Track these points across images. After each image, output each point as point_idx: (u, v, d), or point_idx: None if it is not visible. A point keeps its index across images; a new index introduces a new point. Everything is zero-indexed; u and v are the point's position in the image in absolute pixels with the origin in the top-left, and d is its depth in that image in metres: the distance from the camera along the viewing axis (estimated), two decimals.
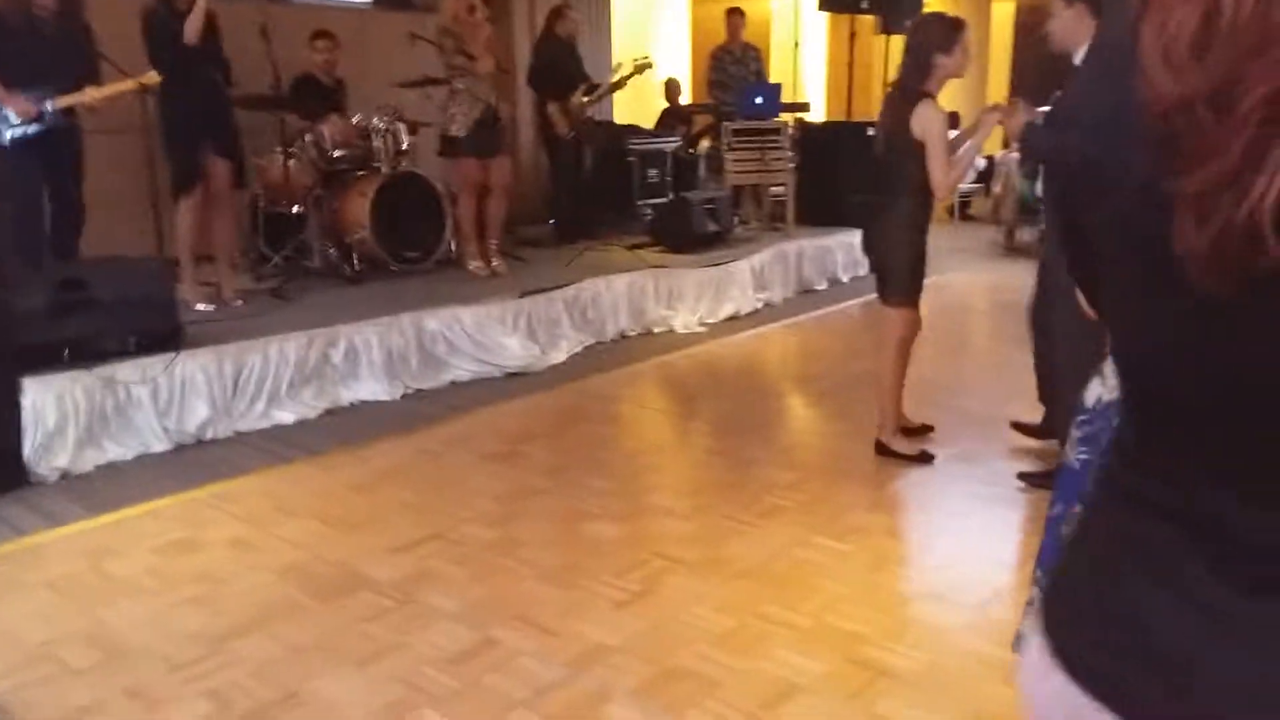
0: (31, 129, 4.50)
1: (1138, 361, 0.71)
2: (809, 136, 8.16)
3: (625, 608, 2.78)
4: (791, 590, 2.87)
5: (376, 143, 5.97)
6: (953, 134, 3.64)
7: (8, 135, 4.48)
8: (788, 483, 3.72)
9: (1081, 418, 1.70)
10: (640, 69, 7.28)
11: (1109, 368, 1.71)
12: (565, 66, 7.09)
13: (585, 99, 7.17)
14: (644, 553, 3.13)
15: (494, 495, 3.59)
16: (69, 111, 4.58)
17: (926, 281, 3.81)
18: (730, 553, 3.13)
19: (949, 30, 3.54)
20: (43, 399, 3.69)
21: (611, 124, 8.20)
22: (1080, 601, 0.76)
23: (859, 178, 7.19)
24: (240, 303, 5.14)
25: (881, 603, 2.83)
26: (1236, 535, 0.65)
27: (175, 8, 4.84)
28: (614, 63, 8.04)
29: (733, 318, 6.35)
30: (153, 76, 4.69)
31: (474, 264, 5.91)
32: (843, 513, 3.43)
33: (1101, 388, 1.73)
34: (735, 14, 8.61)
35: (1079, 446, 1.71)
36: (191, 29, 4.80)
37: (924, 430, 4.10)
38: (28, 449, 3.64)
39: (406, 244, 5.88)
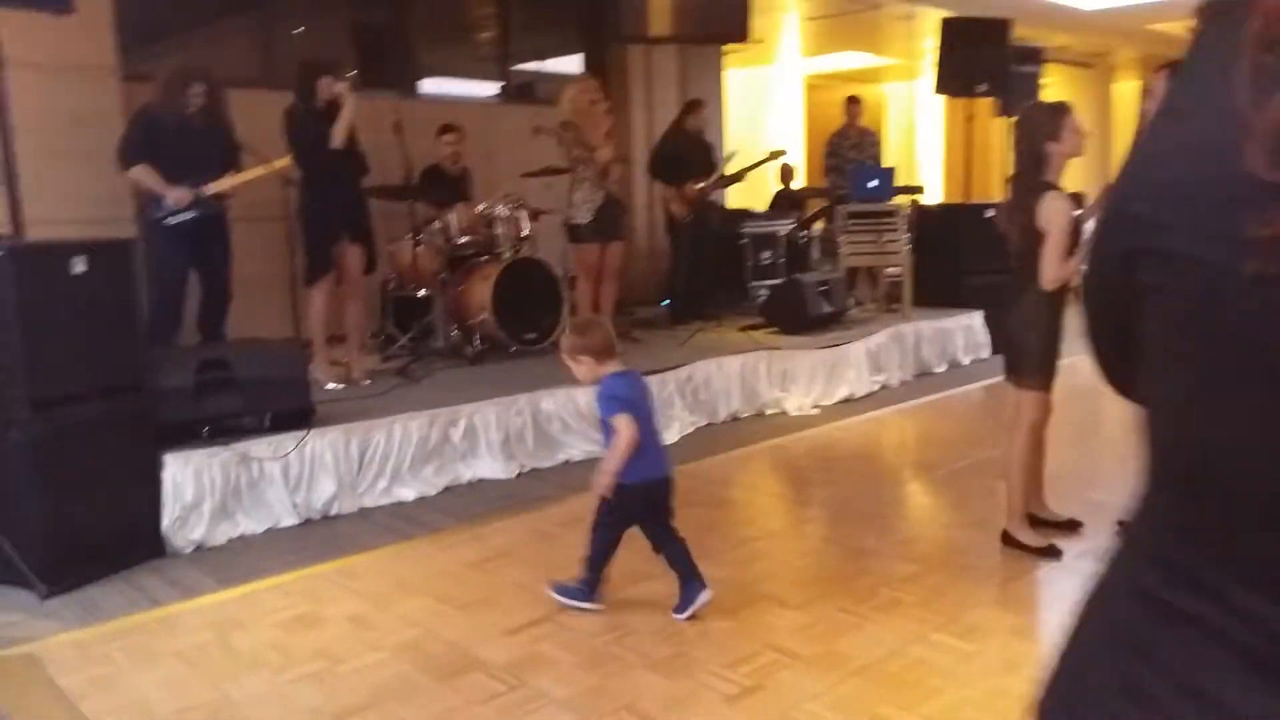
0: (188, 215, 4.84)
1: (1202, 457, 0.63)
2: (925, 218, 8.10)
3: (736, 702, 2.72)
4: (910, 691, 2.77)
5: (499, 230, 6.19)
6: (1076, 213, 3.57)
7: (169, 221, 4.84)
8: (906, 575, 3.60)
9: None
10: (774, 156, 7.47)
11: None
12: (690, 156, 7.30)
13: (701, 185, 7.32)
14: (755, 644, 3.07)
15: (605, 579, 3.58)
16: (218, 197, 4.93)
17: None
18: (845, 648, 3.04)
19: (1053, 116, 3.50)
20: (182, 474, 3.88)
21: (724, 208, 8.31)
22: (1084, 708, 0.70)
23: (980, 259, 7.15)
24: (368, 382, 5.34)
25: (1008, 709, 2.69)
26: None
27: (315, 108, 5.17)
28: (726, 151, 8.19)
29: (847, 400, 6.27)
30: (285, 162, 5.03)
31: None
32: (965, 609, 3.30)
33: None
34: (853, 101, 8.75)
35: None
36: (338, 135, 5.11)
37: (1070, 526, 3.90)
38: (166, 521, 3.83)
39: (526, 326, 6.04)
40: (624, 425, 3.11)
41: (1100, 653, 0.71)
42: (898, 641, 3.07)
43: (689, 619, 3.22)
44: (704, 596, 3.23)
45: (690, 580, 3.24)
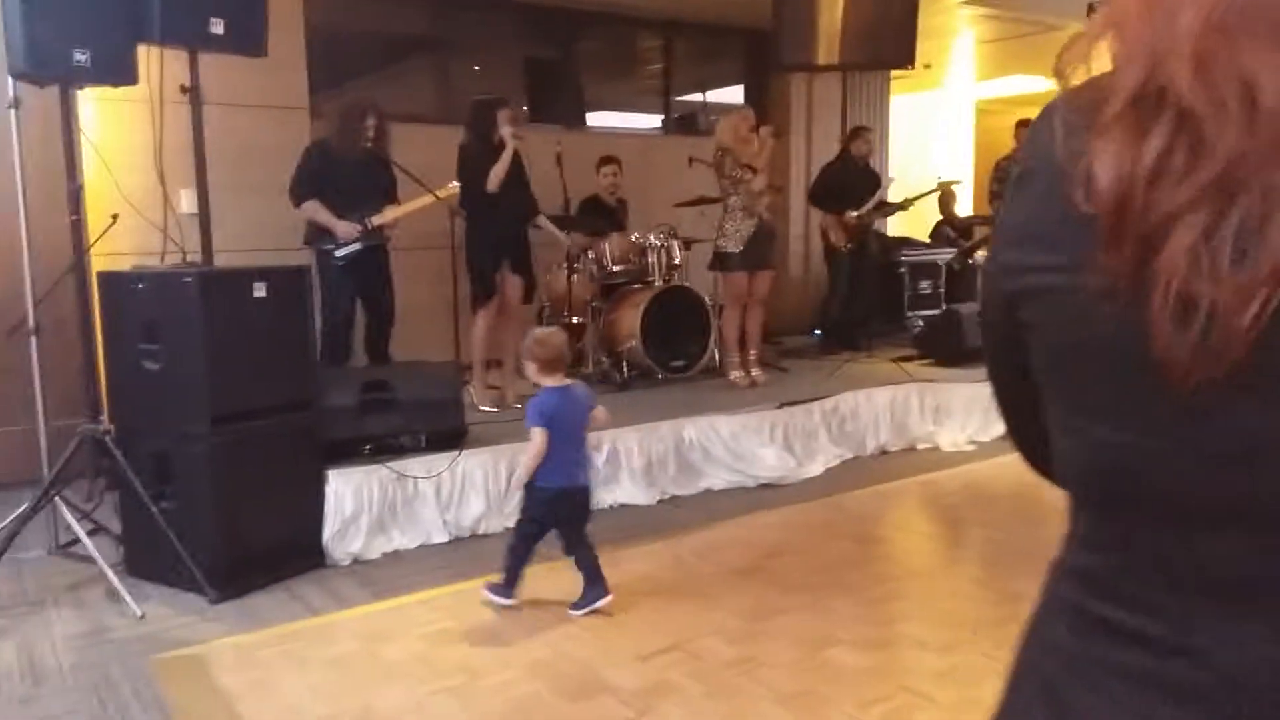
0: (356, 247, 5.15)
1: (1117, 476, 0.66)
2: None
3: None
4: None
5: (651, 258, 6.29)
6: None
7: (338, 255, 5.15)
8: None
9: None
10: (944, 187, 7.32)
11: None
12: (854, 184, 7.23)
13: (856, 213, 7.23)
14: (890, 686, 2.99)
15: (738, 610, 3.58)
16: (380, 229, 5.21)
17: None
18: (989, 695, 2.89)
19: None
20: (343, 489, 4.12)
21: (883, 235, 8.16)
22: None
23: None
24: (520, 405, 5.51)
25: None
26: (1225, 663, 0.60)
27: (488, 145, 5.40)
28: (891, 176, 8.06)
29: (1004, 437, 6.00)
30: (450, 189, 5.27)
31: (735, 374, 6.04)
32: None
33: None
34: (1024, 125, 8.41)
35: None
36: (494, 179, 5.33)
37: None
38: (327, 534, 4.07)
39: (673, 354, 6.11)
40: (536, 436, 3.48)
41: (1031, 667, 0.76)
42: None
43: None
44: (603, 601, 3.56)
45: (594, 584, 3.57)
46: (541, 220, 5.77)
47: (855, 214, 7.19)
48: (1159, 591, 0.64)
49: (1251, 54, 0.54)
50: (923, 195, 7.56)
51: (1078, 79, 0.62)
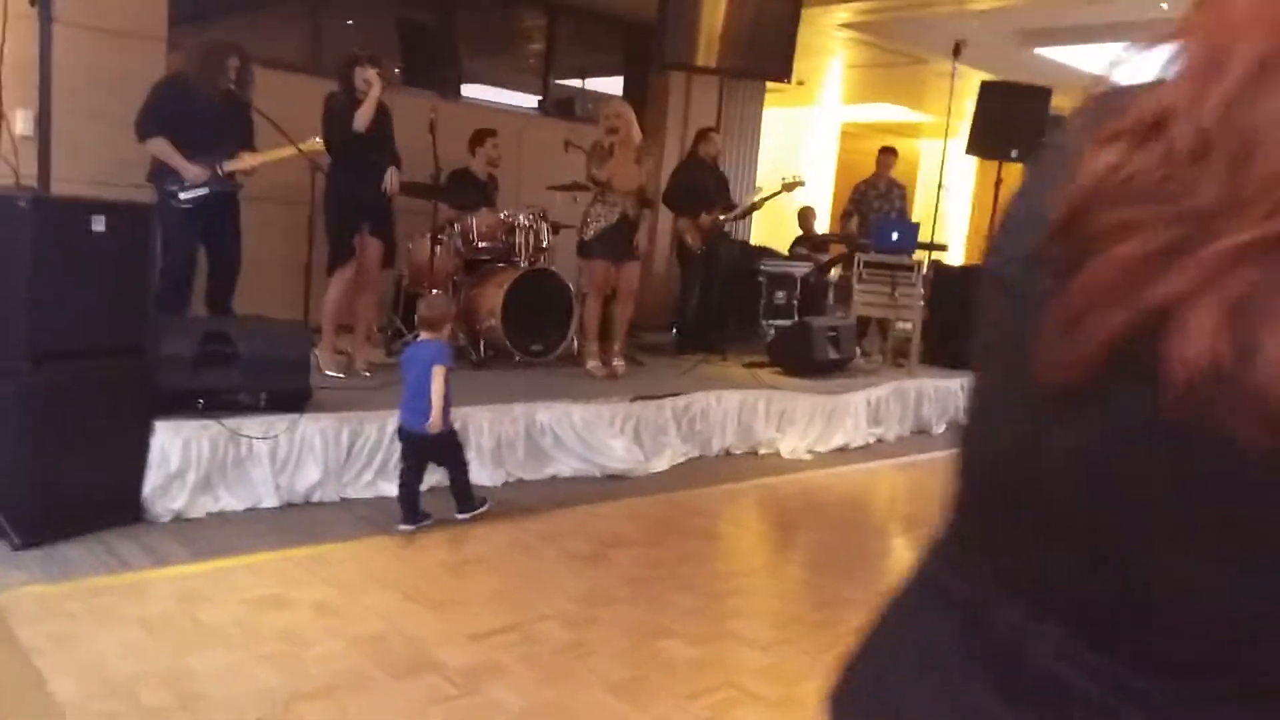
0: (202, 192, 4.88)
1: (983, 457, 0.69)
2: (943, 277, 8.09)
3: None
4: None
5: (519, 238, 6.22)
6: None
7: (182, 197, 4.87)
8: None
9: None
10: (789, 187, 7.44)
11: None
12: (705, 185, 7.31)
13: (721, 217, 7.34)
14: (717, 679, 3.06)
15: (575, 596, 3.58)
16: (231, 175, 4.96)
17: None
18: (807, 693, 3.02)
19: None
20: (171, 443, 3.90)
21: (745, 244, 8.34)
22: (857, 683, 0.77)
23: None
24: (369, 374, 5.36)
25: None
26: (1022, 646, 0.63)
27: (354, 98, 5.23)
28: (757, 185, 8.24)
29: (842, 449, 6.25)
30: (313, 144, 5.06)
31: (591, 363, 6.04)
32: None
33: None
34: (888, 152, 8.77)
35: None
36: (362, 118, 5.16)
37: None
38: (147, 488, 3.84)
39: (533, 337, 6.06)
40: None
41: (885, 639, 0.78)
42: None
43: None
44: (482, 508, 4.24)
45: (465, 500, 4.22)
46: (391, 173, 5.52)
47: (710, 217, 7.29)
48: (987, 581, 0.66)
49: (1265, 112, 0.53)
50: (772, 195, 7.65)
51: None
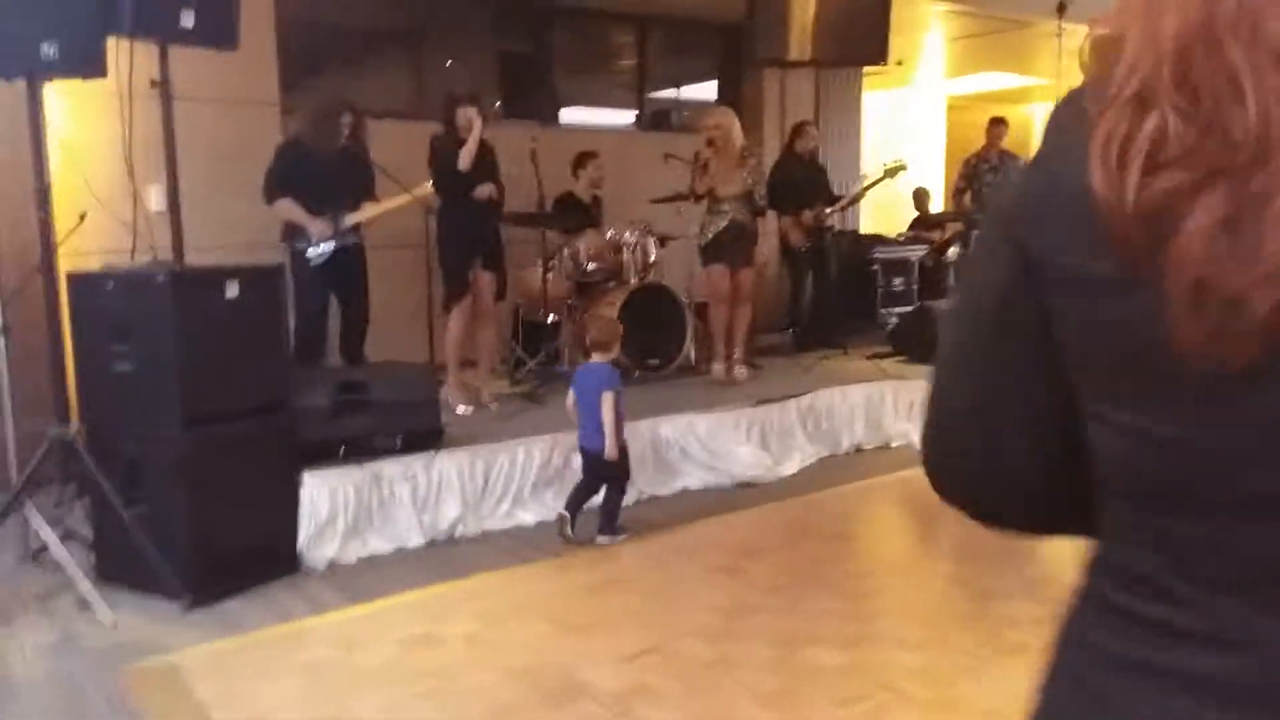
0: (330, 246, 5.10)
1: (1137, 465, 0.65)
2: None
3: None
4: None
5: (627, 256, 6.28)
6: None
7: (311, 253, 5.10)
8: (1034, 618, 3.45)
9: None
10: (891, 173, 7.28)
11: None
12: (802, 181, 7.23)
13: (826, 210, 7.24)
14: (869, 684, 3.01)
15: (716, 609, 3.58)
16: (355, 228, 5.17)
17: None
18: (965, 692, 2.95)
19: None
20: (319, 492, 4.08)
21: (855, 234, 8.20)
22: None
23: None
24: (496, 405, 5.49)
25: None
26: (1269, 662, 0.59)
27: (458, 137, 5.38)
28: (862, 173, 8.09)
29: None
30: (426, 188, 5.23)
31: (716, 366, 6.06)
32: None
33: None
34: (997, 123, 8.50)
35: None
36: (465, 157, 5.30)
37: None
38: (302, 539, 4.03)
39: (649, 352, 6.10)
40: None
41: (1068, 667, 0.74)
42: (1022, 687, 2.88)
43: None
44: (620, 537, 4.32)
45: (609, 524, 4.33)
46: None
47: (813, 213, 7.19)
48: (1197, 588, 0.63)
49: (1235, 55, 0.55)
50: (874, 184, 7.50)
51: (1099, 69, 0.63)
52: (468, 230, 5.46)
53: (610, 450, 4.20)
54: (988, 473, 0.78)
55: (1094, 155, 0.59)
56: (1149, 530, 0.66)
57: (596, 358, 4.43)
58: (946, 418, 0.81)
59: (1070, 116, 0.65)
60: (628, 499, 4.78)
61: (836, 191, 7.58)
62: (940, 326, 0.80)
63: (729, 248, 5.99)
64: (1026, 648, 3.21)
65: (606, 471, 4.29)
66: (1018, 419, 0.74)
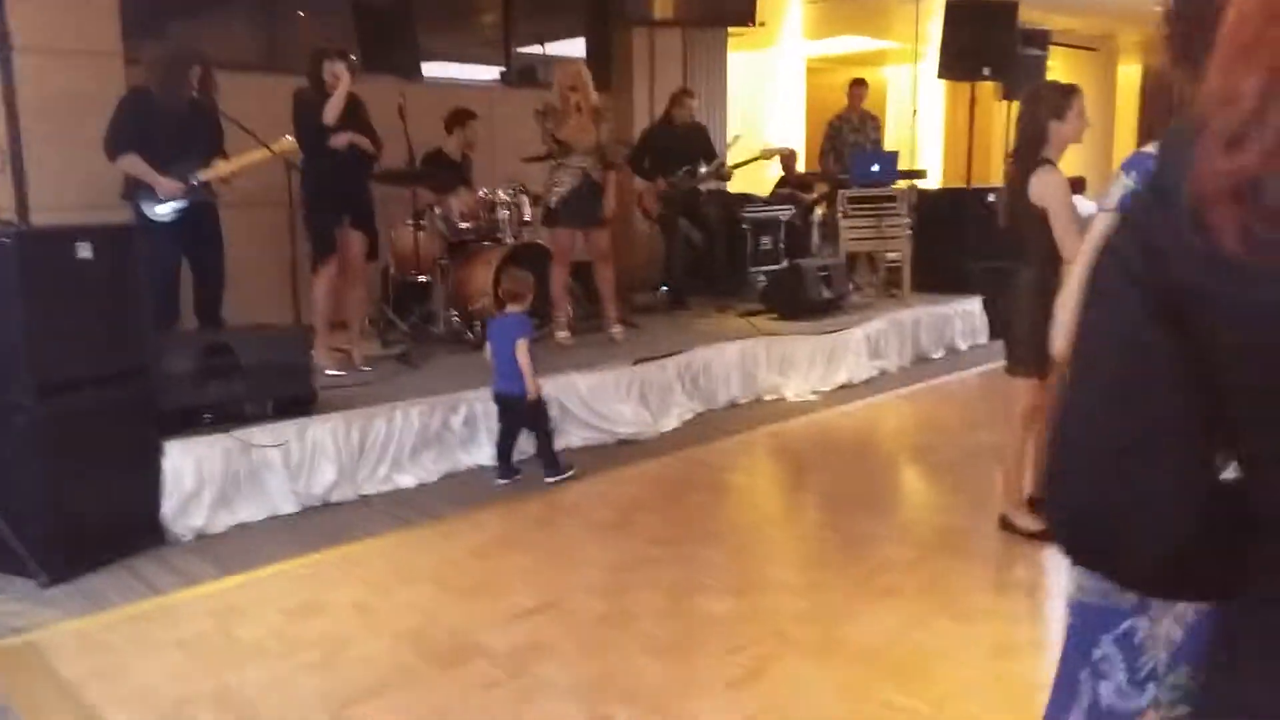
0: (179, 204, 4.82)
1: None
2: (926, 203, 8.07)
3: (739, 687, 2.74)
4: (912, 676, 2.79)
5: (501, 214, 6.17)
6: (1080, 200, 3.57)
7: (159, 212, 4.81)
8: (905, 560, 3.62)
9: None
10: (769, 155, 7.45)
11: None
12: (677, 146, 7.25)
13: (680, 179, 7.27)
14: (758, 630, 3.09)
15: (606, 565, 3.61)
16: (207, 185, 4.90)
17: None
18: (846, 633, 3.06)
19: (1062, 97, 3.51)
20: (182, 461, 3.88)
21: (724, 193, 8.29)
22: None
23: (981, 244, 7.13)
24: (369, 368, 5.33)
25: (1008, 692, 2.71)
26: None
27: (324, 92, 5.15)
28: (732, 135, 8.17)
29: (846, 386, 6.27)
30: (285, 143, 4.99)
31: (560, 334, 5.96)
32: (964, 594, 3.32)
33: None
34: (858, 84, 8.71)
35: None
36: (331, 111, 5.09)
37: None
38: (166, 509, 3.84)
39: (528, 311, 6.01)
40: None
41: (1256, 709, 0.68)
42: (898, 627, 3.09)
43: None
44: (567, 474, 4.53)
45: (550, 465, 4.53)
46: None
47: (666, 181, 7.24)
48: None
49: None
50: (746, 162, 7.71)
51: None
52: (335, 188, 5.27)
53: (531, 391, 4.40)
54: (1142, 524, 0.69)
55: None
56: None
57: (511, 309, 4.63)
58: (1091, 463, 0.71)
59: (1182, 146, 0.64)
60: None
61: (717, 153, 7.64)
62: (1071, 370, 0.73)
63: (578, 208, 5.83)
64: (901, 589, 3.37)
65: (528, 414, 4.47)
66: (1177, 464, 0.67)
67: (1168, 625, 1.35)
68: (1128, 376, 0.68)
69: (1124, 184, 1.55)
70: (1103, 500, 0.70)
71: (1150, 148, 1.53)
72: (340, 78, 5.13)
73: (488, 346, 4.58)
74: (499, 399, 4.54)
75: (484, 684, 2.78)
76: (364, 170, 5.44)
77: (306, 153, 5.15)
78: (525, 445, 4.67)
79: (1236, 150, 0.58)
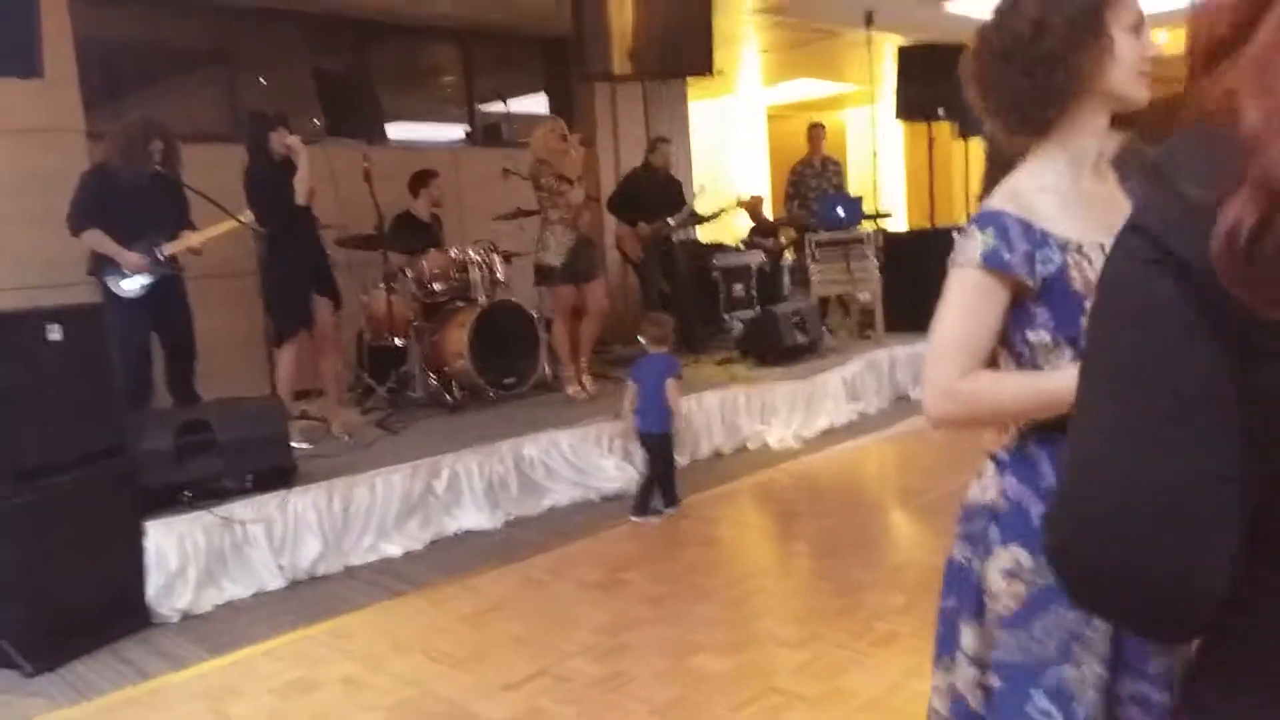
0: (146, 279, 4.77)
1: None
2: (894, 244, 8.18)
3: None
4: None
5: (473, 274, 6.18)
6: None
7: (126, 287, 4.75)
8: (899, 606, 3.61)
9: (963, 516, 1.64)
10: (744, 205, 7.59)
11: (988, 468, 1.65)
12: (655, 193, 7.34)
13: (664, 225, 7.36)
14: (758, 686, 3.06)
15: (599, 627, 3.57)
16: (173, 258, 4.86)
17: None
18: (848, 685, 3.04)
19: None
20: (164, 541, 3.82)
21: (695, 242, 8.38)
22: None
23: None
24: (349, 438, 5.26)
25: None
26: None
27: (272, 160, 5.10)
28: (695, 186, 8.28)
29: (828, 431, 6.29)
30: (250, 216, 4.97)
31: (572, 388, 6.00)
32: None
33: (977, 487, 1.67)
34: (817, 128, 8.85)
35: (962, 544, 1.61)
36: (301, 191, 5.07)
37: None
38: (150, 591, 3.76)
39: (504, 371, 6.02)
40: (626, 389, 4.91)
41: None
42: (898, 675, 3.07)
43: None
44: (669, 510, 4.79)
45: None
46: None
47: (649, 227, 7.32)
48: None
49: None
50: (721, 212, 7.86)
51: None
52: (303, 260, 5.21)
53: (679, 428, 4.84)
54: (1179, 594, 0.63)
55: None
56: None
57: (655, 350, 4.87)
58: (1120, 525, 0.64)
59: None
60: (494, 523, 4.73)
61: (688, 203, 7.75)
62: (1091, 408, 0.67)
63: (578, 262, 5.94)
64: (897, 636, 3.35)
65: (668, 450, 4.76)
66: (1223, 527, 0.61)
67: (1091, 668, 1.37)
68: (1178, 416, 0.61)
69: (981, 240, 1.46)
70: (1134, 570, 0.62)
71: (998, 203, 1.50)
72: (295, 149, 5.08)
73: (631, 387, 4.78)
74: (645, 439, 4.73)
75: None
76: (318, 233, 5.40)
77: (269, 228, 5.07)
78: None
79: None
